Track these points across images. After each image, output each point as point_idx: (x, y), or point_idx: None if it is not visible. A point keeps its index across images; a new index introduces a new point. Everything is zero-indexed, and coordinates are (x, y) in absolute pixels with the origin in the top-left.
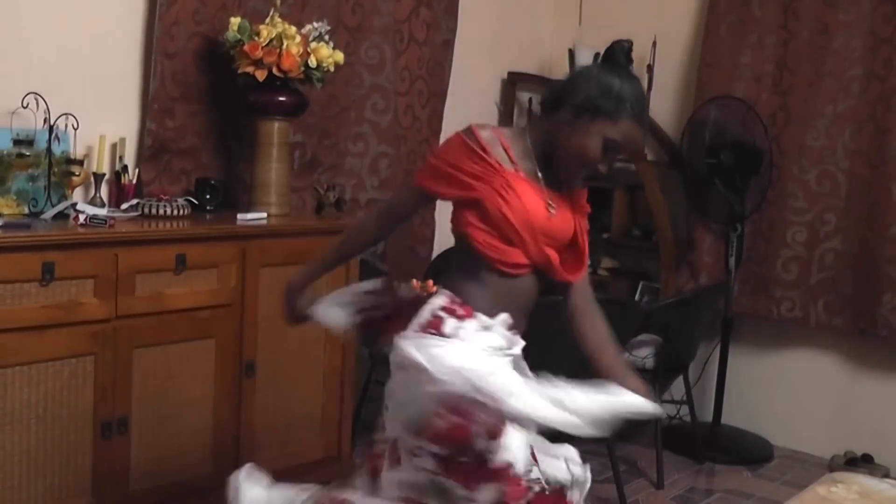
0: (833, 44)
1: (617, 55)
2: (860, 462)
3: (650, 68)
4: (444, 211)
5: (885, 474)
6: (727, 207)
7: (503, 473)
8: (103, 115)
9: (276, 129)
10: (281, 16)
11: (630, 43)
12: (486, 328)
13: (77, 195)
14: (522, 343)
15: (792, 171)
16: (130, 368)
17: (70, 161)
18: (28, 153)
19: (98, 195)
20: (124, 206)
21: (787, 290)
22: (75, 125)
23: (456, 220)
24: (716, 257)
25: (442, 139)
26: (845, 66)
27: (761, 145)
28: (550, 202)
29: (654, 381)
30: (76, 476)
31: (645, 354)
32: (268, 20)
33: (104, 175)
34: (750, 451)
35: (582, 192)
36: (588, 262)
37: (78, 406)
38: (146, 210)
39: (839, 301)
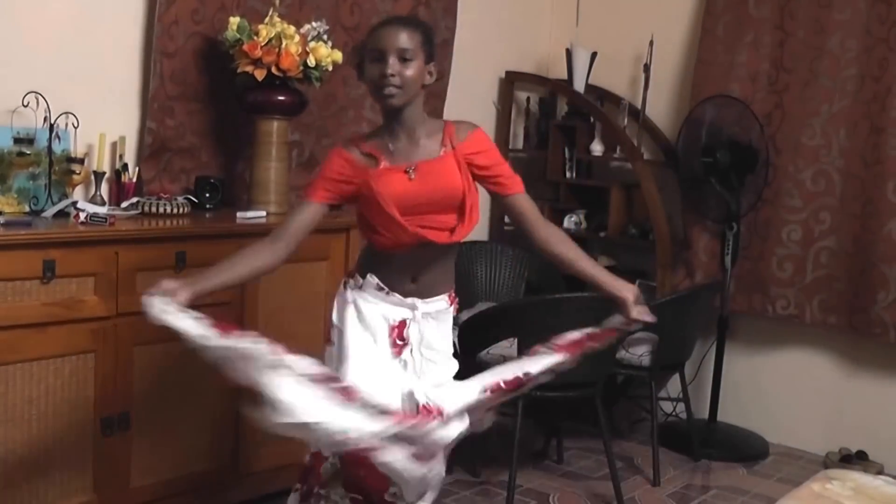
0: (828, 43)
1: None
2: (855, 459)
3: (647, 67)
4: None
5: (880, 471)
6: (723, 206)
7: None
8: (103, 113)
9: (274, 128)
10: (280, 15)
11: None
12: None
13: (77, 193)
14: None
15: (787, 170)
16: (131, 365)
17: (70, 160)
18: (29, 152)
19: (98, 193)
20: (124, 204)
21: (783, 289)
22: (76, 124)
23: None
24: (711, 256)
25: None
26: (841, 66)
27: (757, 144)
28: (410, 168)
29: (650, 379)
30: (77, 472)
31: (641, 352)
32: (267, 20)
33: (104, 173)
34: (745, 449)
35: (472, 139)
36: (478, 208)
37: (79, 403)
38: (146, 208)
39: (834, 299)
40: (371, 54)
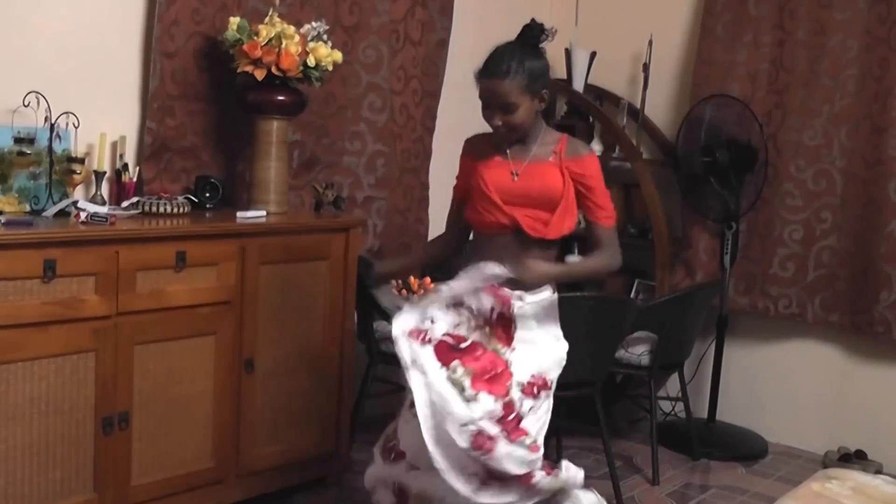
0: (829, 43)
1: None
2: (854, 458)
3: (646, 67)
4: (439, 209)
5: (879, 470)
6: (722, 205)
7: None
8: (104, 113)
9: (274, 128)
10: (280, 15)
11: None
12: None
13: (78, 193)
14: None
15: (788, 170)
16: (131, 365)
17: (71, 159)
18: (29, 151)
19: (99, 193)
20: (125, 203)
21: (784, 288)
22: (76, 123)
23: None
24: (711, 255)
25: (435, 138)
26: (841, 66)
27: (757, 144)
28: (515, 171)
29: (649, 378)
30: (78, 471)
31: (640, 351)
32: (267, 20)
33: (105, 173)
34: (744, 448)
35: (580, 161)
36: (575, 215)
37: (79, 402)
38: (146, 208)
39: (835, 298)
40: (480, 98)
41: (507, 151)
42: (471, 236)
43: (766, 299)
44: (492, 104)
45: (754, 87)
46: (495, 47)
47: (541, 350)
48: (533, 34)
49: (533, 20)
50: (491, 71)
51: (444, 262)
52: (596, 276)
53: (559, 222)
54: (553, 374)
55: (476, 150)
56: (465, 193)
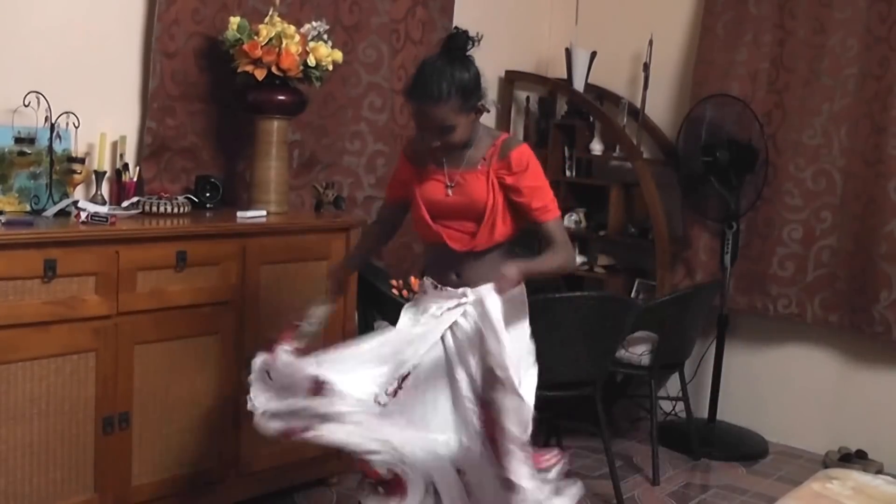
0: (829, 42)
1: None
2: (854, 458)
3: (646, 66)
4: None
5: (879, 470)
6: (723, 205)
7: None
8: (104, 113)
9: (275, 128)
10: (280, 15)
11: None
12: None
13: (78, 193)
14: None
15: (788, 169)
16: (131, 364)
17: (71, 159)
18: (30, 151)
19: (99, 193)
20: (125, 203)
21: (784, 288)
22: (76, 123)
23: None
24: (711, 255)
25: None
26: (841, 65)
27: (757, 143)
28: (450, 183)
29: (649, 378)
30: (78, 471)
31: (641, 351)
32: (267, 19)
33: (105, 173)
34: (745, 448)
35: (507, 160)
36: (509, 222)
37: (80, 401)
38: (147, 208)
39: (835, 298)
40: (414, 119)
41: (444, 159)
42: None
43: (766, 299)
44: (428, 127)
45: (754, 86)
46: (422, 64)
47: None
48: (459, 44)
49: (456, 28)
50: (423, 94)
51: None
52: (557, 272)
53: (487, 234)
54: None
55: (416, 156)
56: (400, 199)
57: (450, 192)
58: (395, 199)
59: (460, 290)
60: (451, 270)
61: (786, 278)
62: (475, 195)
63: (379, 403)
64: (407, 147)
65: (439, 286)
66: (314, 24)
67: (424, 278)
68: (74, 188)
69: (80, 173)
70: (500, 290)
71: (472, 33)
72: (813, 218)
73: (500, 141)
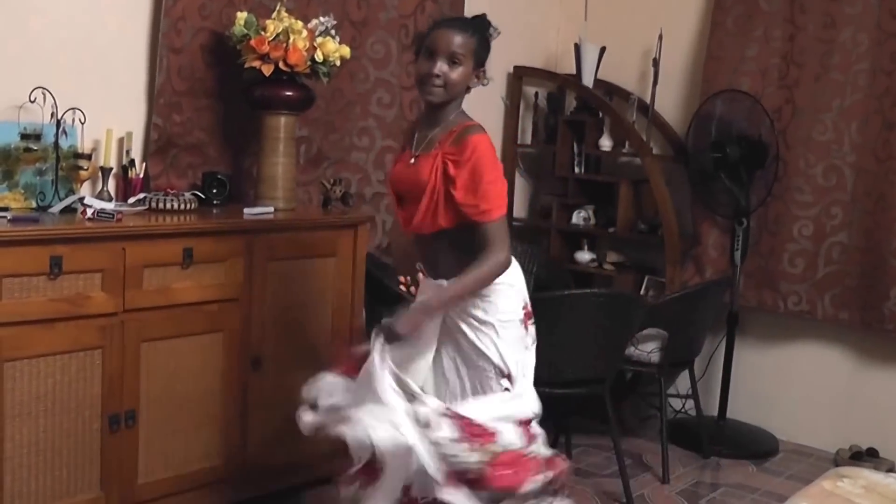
0: (840, 37)
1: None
2: (865, 456)
3: (656, 62)
4: None
5: (890, 468)
6: (733, 201)
7: None
8: (110, 109)
9: (282, 124)
10: (287, 10)
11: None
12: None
13: (84, 189)
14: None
15: (798, 165)
16: (138, 362)
17: (77, 155)
18: (36, 147)
19: (105, 189)
20: (131, 200)
21: (794, 284)
22: (82, 119)
23: None
24: (721, 251)
25: None
26: (852, 60)
27: (767, 139)
28: (415, 156)
29: (659, 375)
30: (84, 469)
31: (650, 349)
32: (274, 15)
33: (111, 169)
34: (755, 446)
35: (457, 148)
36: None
37: (86, 399)
38: (153, 204)
39: (846, 295)
40: (425, 50)
41: (416, 136)
42: None
43: (776, 296)
44: (439, 51)
45: (765, 82)
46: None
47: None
48: (485, 24)
49: (484, 15)
50: (451, 22)
51: None
52: (483, 285)
53: (425, 216)
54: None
55: (403, 140)
56: None
57: (406, 170)
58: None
59: (438, 281)
60: (427, 258)
61: (796, 275)
62: (420, 175)
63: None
64: (403, 131)
65: (426, 274)
66: (322, 19)
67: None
68: (80, 184)
69: (87, 169)
70: (395, 334)
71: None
72: (823, 214)
73: (461, 126)
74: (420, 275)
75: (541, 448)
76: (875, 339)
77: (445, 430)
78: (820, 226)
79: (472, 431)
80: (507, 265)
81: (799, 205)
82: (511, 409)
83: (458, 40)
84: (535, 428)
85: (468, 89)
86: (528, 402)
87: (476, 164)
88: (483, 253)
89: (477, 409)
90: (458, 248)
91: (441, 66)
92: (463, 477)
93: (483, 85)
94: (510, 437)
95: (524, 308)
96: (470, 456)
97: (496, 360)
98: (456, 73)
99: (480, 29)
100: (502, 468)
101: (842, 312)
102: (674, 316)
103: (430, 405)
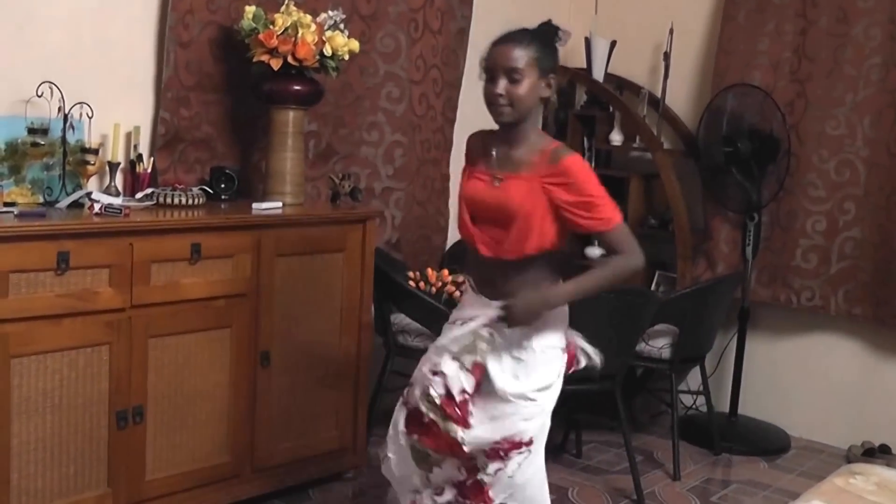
0: (852, 31)
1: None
2: (878, 453)
3: (667, 56)
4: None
5: None
6: (744, 196)
7: None
8: (118, 103)
9: (290, 118)
10: (296, 4)
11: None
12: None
13: (92, 184)
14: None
15: (811, 160)
16: (145, 358)
17: (85, 150)
18: (42, 142)
19: (113, 184)
20: (139, 195)
21: (807, 280)
22: (90, 114)
23: None
24: (732, 246)
25: (456, 128)
26: (864, 55)
27: (779, 134)
28: (500, 178)
29: (670, 371)
30: (92, 465)
31: (661, 345)
32: (283, 9)
33: (119, 164)
34: (767, 442)
35: (558, 167)
36: (545, 234)
37: (93, 395)
38: (161, 199)
39: (859, 290)
40: (486, 71)
41: (493, 153)
42: None
43: (789, 291)
44: (497, 70)
45: (776, 76)
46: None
47: (512, 409)
48: (550, 30)
49: (550, 21)
50: (504, 38)
51: None
52: (617, 283)
53: (515, 243)
54: (534, 427)
55: (472, 152)
56: None
57: (490, 190)
58: None
59: (495, 302)
60: (487, 278)
61: (809, 270)
62: (512, 199)
63: None
64: (468, 141)
65: (476, 290)
66: (330, 13)
67: (465, 275)
68: (88, 179)
69: (94, 164)
70: (509, 324)
71: (562, 31)
72: (836, 209)
73: (550, 148)
74: (468, 278)
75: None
76: (888, 334)
77: None
78: (833, 221)
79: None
80: (642, 265)
81: (811, 199)
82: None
83: (514, 55)
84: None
85: (543, 100)
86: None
87: (583, 183)
88: (618, 252)
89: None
90: (527, 274)
91: (502, 86)
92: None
93: (554, 91)
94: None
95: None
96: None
97: (528, 388)
98: (520, 89)
99: (539, 36)
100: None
101: (855, 308)
102: (685, 311)
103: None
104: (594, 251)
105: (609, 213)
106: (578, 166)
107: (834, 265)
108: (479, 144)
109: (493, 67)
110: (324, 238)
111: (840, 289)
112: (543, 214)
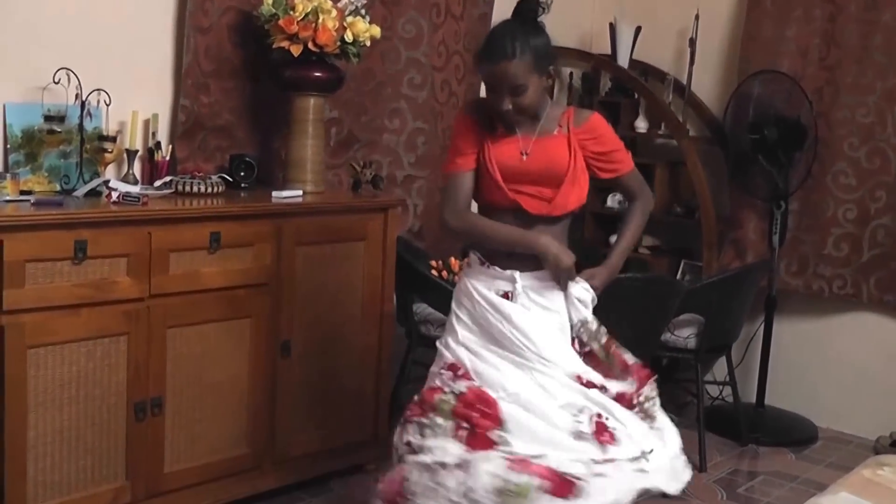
0: (882, 18)
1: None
2: None
3: (692, 42)
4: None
5: None
6: (771, 184)
7: None
8: (136, 90)
9: (311, 105)
10: None
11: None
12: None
13: (109, 172)
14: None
15: (841, 148)
16: (164, 348)
17: (102, 137)
18: (60, 129)
19: (131, 172)
20: (157, 183)
21: (839, 268)
22: (107, 101)
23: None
24: (759, 235)
25: None
26: (895, 41)
27: (806, 121)
28: (525, 150)
29: (695, 361)
30: (110, 457)
31: (687, 334)
32: None
33: (137, 152)
34: (794, 433)
35: (587, 124)
36: (583, 187)
37: (111, 386)
38: (180, 187)
39: (891, 278)
40: (486, 86)
41: (515, 126)
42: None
43: (820, 280)
44: (499, 87)
45: (804, 62)
46: (492, 29)
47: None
48: (530, 8)
49: (520, 4)
50: (494, 53)
51: None
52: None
53: (564, 198)
54: None
55: (482, 119)
56: (476, 164)
57: (525, 157)
58: (472, 165)
59: (508, 272)
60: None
61: (840, 259)
62: (556, 158)
63: None
64: (470, 108)
65: (486, 263)
66: None
67: (471, 253)
68: (105, 167)
69: (112, 152)
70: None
71: (510, 9)
72: (868, 197)
73: (570, 110)
74: (473, 255)
75: None
76: None
77: None
78: (864, 209)
79: None
80: (653, 201)
81: (842, 188)
82: None
83: (513, 72)
84: None
85: (548, 89)
86: None
87: (609, 135)
88: (637, 195)
89: None
90: (560, 233)
91: (508, 102)
92: None
93: (553, 79)
94: None
95: None
96: None
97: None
98: (526, 99)
99: (526, 31)
100: None
101: (887, 295)
102: (711, 301)
103: None
104: (614, 200)
105: (628, 158)
106: (602, 121)
107: (866, 253)
108: (486, 114)
109: (495, 85)
110: (345, 227)
111: (872, 276)
112: (583, 167)
